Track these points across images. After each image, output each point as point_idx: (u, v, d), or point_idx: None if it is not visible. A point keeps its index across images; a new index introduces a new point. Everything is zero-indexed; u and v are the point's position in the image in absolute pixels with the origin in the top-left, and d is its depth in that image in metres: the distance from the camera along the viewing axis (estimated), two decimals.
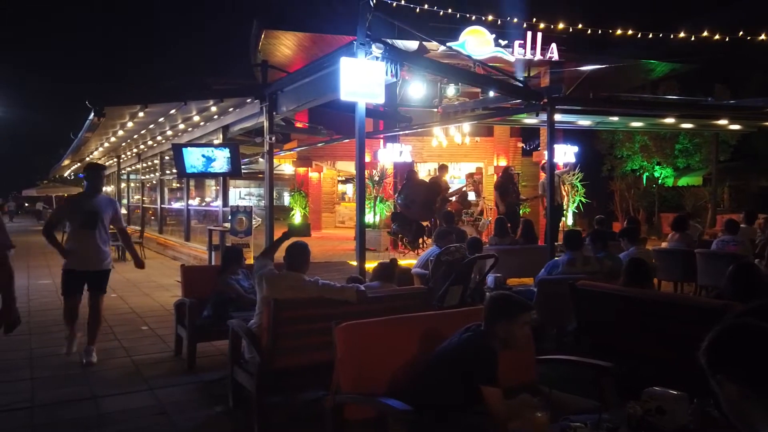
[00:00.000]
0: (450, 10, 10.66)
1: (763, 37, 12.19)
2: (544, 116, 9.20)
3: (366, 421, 2.97)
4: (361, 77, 6.91)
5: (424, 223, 10.97)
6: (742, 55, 13.02)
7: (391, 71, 7.26)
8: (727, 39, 12.31)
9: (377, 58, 7.09)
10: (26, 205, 54.14)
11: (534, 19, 12.32)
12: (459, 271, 5.13)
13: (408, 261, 8.61)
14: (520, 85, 8.81)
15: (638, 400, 2.52)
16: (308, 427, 3.88)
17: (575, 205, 13.71)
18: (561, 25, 12.51)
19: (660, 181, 19.40)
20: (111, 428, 4.03)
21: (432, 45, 12.33)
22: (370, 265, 7.16)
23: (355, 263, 7.51)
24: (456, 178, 18.71)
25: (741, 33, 12.33)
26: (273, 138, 9.76)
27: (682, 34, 12.23)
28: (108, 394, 4.68)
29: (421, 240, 10.17)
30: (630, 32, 12.47)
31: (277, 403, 4.15)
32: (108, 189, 28.01)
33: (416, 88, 13.99)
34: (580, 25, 12.62)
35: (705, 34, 12.50)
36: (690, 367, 2.43)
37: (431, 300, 4.63)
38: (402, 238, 9.12)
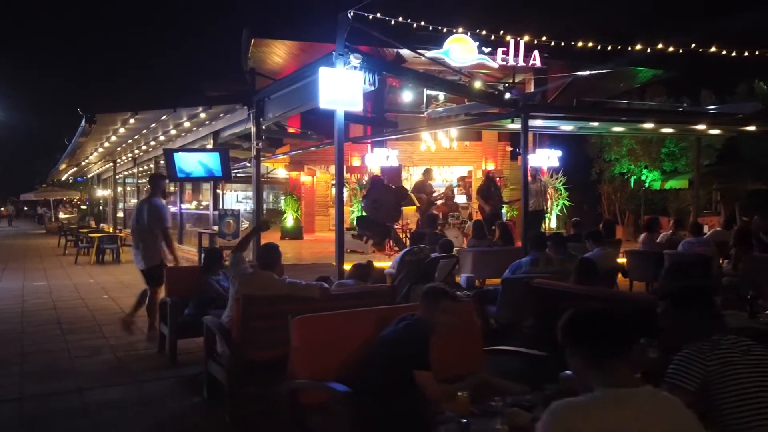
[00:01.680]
0: (423, 23, 10.96)
1: (720, 53, 12.53)
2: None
3: (320, 405, 3.25)
4: (340, 86, 7.22)
5: (408, 226, 11.32)
6: (723, 62, 13.32)
7: (370, 80, 7.57)
8: (699, 50, 12.66)
9: (355, 67, 7.41)
10: (25, 209, 54.38)
11: (502, 31, 12.59)
12: (422, 270, 5.43)
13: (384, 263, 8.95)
14: (495, 93, 9.12)
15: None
16: (275, 416, 4.16)
17: (559, 208, 14.00)
18: (525, 36, 12.78)
19: (647, 184, 19.69)
20: (94, 418, 4.32)
21: (415, 53, 12.62)
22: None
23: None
24: (447, 181, 19.02)
25: (706, 49, 12.67)
26: (260, 143, 10.08)
27: (660, 46, 12.57)
28: (93, 387, 4.97)
29: (389, 241, 10.56)
30: (596, 45, 12.74)
31: (249, 394, 4.45)
32: (104, 193, 28.35)
33: (403, 95, 14.37)
34: (549, 39, 12.91)
35: (669, 49, 12.82)
36: None
37: (395, 297, 4.92)
38: (366, 240, 9.54)
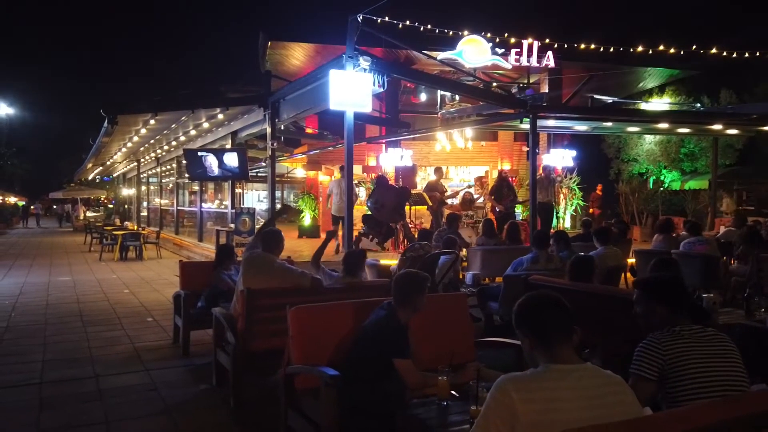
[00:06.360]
0: (430, 26, 11.10)
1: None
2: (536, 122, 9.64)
3: (314, 390, 3.45)
4: (349, 88, 7.45)
5: (421, 225, 11.48)
6: (743, 62, 13.21)
7: (379, 82, 7.77)
8: (715, 50, 12.59)
9: (365, 70, 7.62)
10: (54, 207, 55.77)
11: (511, 33, 12.64)
12: (421, 266, 5.59)
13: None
14: (504, 93, 9.24)
15: None
16: (275, 400, 4.38)
17: (573, 208, 14.02)
18: (538, 37, 12.83)
19: (666, 184, 19.55)
20: (106, 401, 4.59)
21: (424, 55, 12.76)
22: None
23: None
24: (465, 181, 19.13)
25: (723, 48, 12.58)
26: (275, 144, 10.35)
27: (672, 50, 12.54)
28: (108, 374, 5.26)
29: (404, 240, 10.78)
30: (611, 45, 12.73)
31: (253, 381, 4.68)
32: (129, 192, 28.98)
33: (418, 95, 14.54)
34: (563, 39, 12.93)
35: (681, 52, 12.77)
36: (613, 347, 2.92)
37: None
38: (372, 238, 9.79)
